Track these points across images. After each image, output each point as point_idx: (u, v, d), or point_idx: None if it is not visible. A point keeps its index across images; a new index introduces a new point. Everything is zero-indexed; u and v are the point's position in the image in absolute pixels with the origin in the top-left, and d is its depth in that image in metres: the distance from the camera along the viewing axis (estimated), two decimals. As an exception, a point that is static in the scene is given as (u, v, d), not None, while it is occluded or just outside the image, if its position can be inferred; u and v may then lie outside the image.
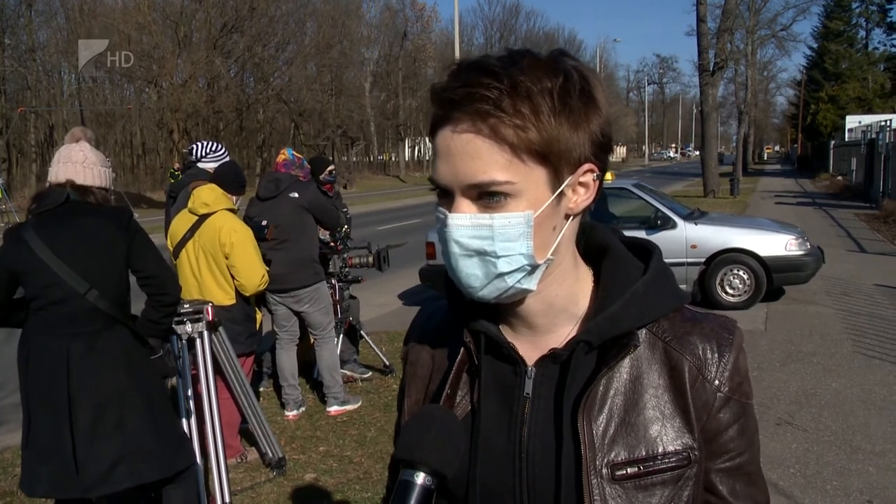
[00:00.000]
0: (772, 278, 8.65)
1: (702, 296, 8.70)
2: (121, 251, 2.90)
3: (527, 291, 0.95)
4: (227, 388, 4.24)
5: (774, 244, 8.74)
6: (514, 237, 0.90)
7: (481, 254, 0.91)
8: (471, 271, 0.92)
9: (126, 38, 35.79)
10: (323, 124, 49.26)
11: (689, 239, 8.72)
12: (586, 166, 0.93)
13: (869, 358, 6.55)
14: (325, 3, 49.33)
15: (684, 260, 8.64)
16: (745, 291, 8.68)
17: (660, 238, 8.59)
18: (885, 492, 4.08)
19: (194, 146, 5.25)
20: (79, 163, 2.94)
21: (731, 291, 8.73)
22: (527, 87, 0.87)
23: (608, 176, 6.79)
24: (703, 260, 8.70)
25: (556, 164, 0.90)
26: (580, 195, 0.94)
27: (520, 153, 0.87)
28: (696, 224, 8.89)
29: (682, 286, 9.14)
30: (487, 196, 0.89)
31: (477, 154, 0.87)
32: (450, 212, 0.91)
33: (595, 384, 0.96)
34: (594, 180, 0.94)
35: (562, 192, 0.92)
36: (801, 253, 8.75)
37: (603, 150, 0.94)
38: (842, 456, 4.55)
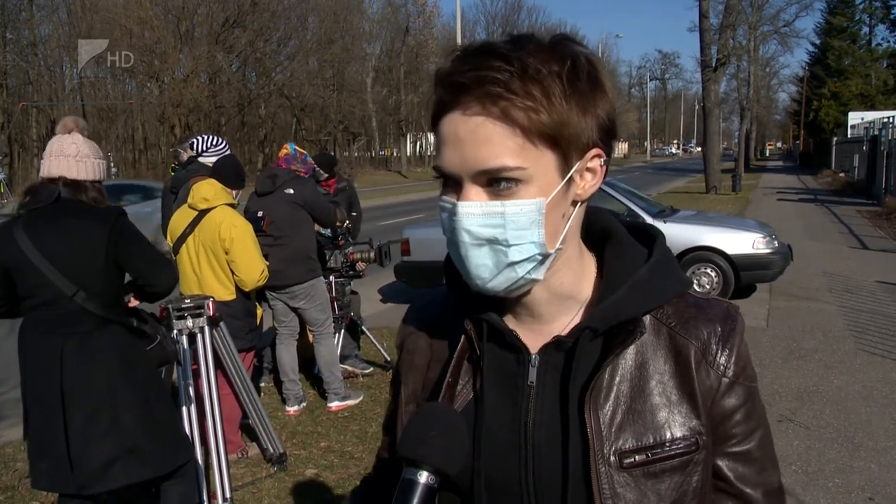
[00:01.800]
0: (739, 276, 8.69)
1: None
2: (109, 253, 2.85)
3: (535, 282, 0.94)
4: (227, 383, 4.24)
5: (741, 242, 8.78)
6: (525, 225, 0.88)
7: (492, 242, 0.89)
8: (481, 261, 0.90)
9: (128, 32, 35.76)
10: (324, 119, 49.24)
11: None
12: (594, 151, 0.92)
13: (871, 355, 6.53)
14: (327, -3, 49.27)
15: None
16: (713, 289, 8.72)
17: None
18: (886, 489, 4.07)
19: (195, 140, 5.23)
20: (72, 156, 2.86)
21: (698, 290, 8.71)
22: (537, 70, 0.85)
23: None
24: None
25: (566, 148, 0.88)
26: (588, 181, 0.93)
27: (531, 137, 0.86)
28: (664, 222, 8.89)
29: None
30: (497, 183, 0.87)
31: (487, 139, 0.86)
32: (458, 200, 0.89)
33: (601, 372, 0.95)
34: (601, 165, 0.93)
35: (570, 177, 0.90)
36: (768, 251, 8.78)
37: (609, 135, 0.93)
38: (843, 453, 4.54)
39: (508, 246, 0.89)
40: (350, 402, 5.52)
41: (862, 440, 4.72)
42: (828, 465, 4.38)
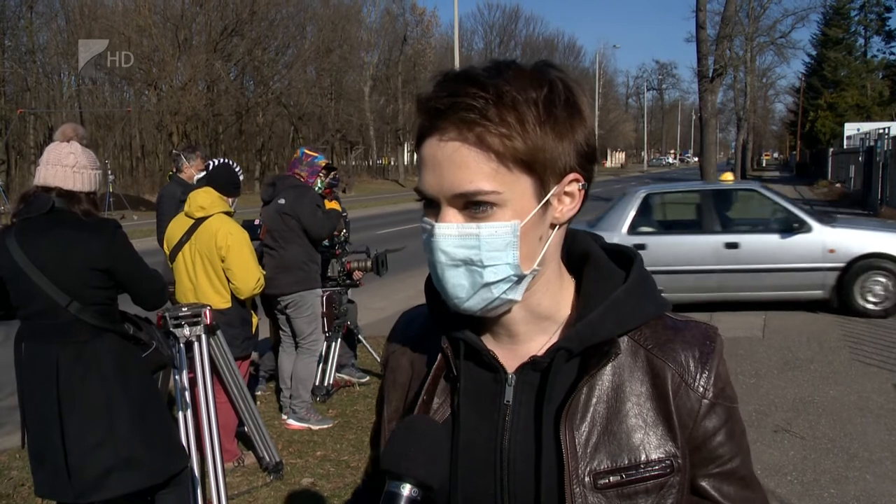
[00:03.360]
0: None
1: (839, 302, 8.28)
2: (102, 264, 2.85)
3: (513, 302, 0.96)
4: (224, 391, 4.23)
5: None
6: (500, 247, 0.90)
7: (468, 263, 0.91)
8: (457, 281, 0.92)
9: (126, 40, 35.82)
10: (322, 128, 49.27)
11: (826, 243, 8.18)
12: (571, 176, 0.94)
13: (866, 365, 6.55)
14: (326, 7, 49.40)
15: (821, 265, 8.20)
16: (886, 298, 8.17)
17: (795, 242, 8.24)
18: (881, 499, 4.08)
19: (210, 163, 5.27)
20: (69, 167, 2.84)
21: (871, 298, 8.19)
22: (512, 97, 0.87)
23: (728, 177, 6.89)
24: (841, 265, 8.17)
25: (542, 173, 0.90)
26: (566, 205, 0.95)
27: (506, 162, 0.88)
28: (832, 227, 8.40)
29: (819, 292, 7.78)
30: (474, 206, 0.90)
31: (463, 163, 0.88)
32: (436, 221, 0.92)
33: (577, 392, 0.96)
34: (579, 190, 0.96)
35: (547, 201, 0.92)
36: None
37: (588, 160, 0.95)
38: (839, 463, 4.55)
39: (483, 267, 0.91)
40: (308, 426, 5.29)
41: (857, 451, 4.73)
42: (823, 476, 4.39)
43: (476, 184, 0.88)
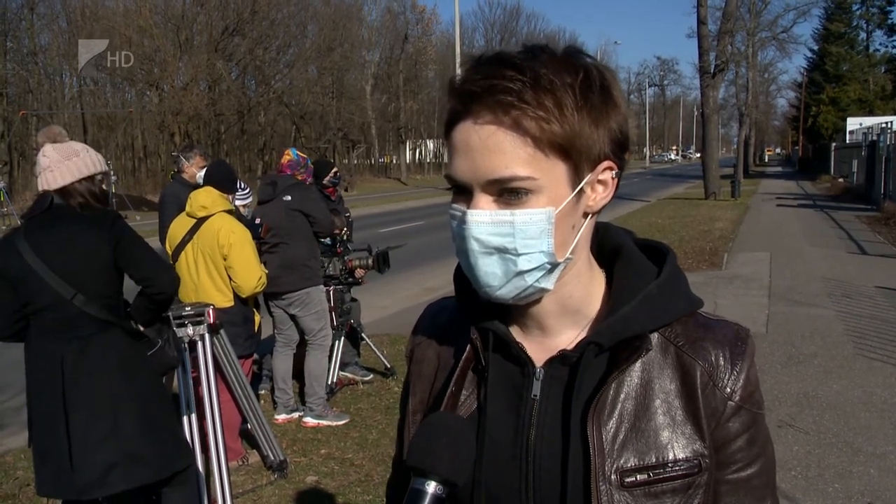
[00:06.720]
0: None
1: None
2: (106, 256, 2.90)
3: (544, 291, 0.94)
4: (228, 390, 4.24)
5: None
6: (535, 234, 0.88)
7: (501, 251, 0.89)
8: (490, 270, 0.90)
9: (127, 40, 35.81)
10: (324, 127, 49.27)
11: None
12: (606, 164, 0.92)
13: (870, 360, 6.53)
14: (326, 5, 49.37)
15: None
16: None
17: None
18: (886, 494, 4.07)
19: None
20: (45, 169, 2.94)
21: None
22: (549, 80, 0.85)
23: None
24: None
25: (577, 160, 0.88)
26: (599, 193, 0.93)
27: (542, 147, 0.86)
28: None
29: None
30: (508, 193, 0.87)
31: (498, 148, 0.86)
32: (468, 208, 0.89)
33: (605, 388, 0.94)
34: (613, 178, 0.94)
35: (581, 189, 0.90)
36: None
37: (621, 148, 0.93)
38: (843, 458, 4.54)
39: (517, 255, 0.88)
40: (325, 423, 5.30)
41: (861, 445, 4.72)
42: (827, 470, 4.38)
43: (512, 169, 0.86)
